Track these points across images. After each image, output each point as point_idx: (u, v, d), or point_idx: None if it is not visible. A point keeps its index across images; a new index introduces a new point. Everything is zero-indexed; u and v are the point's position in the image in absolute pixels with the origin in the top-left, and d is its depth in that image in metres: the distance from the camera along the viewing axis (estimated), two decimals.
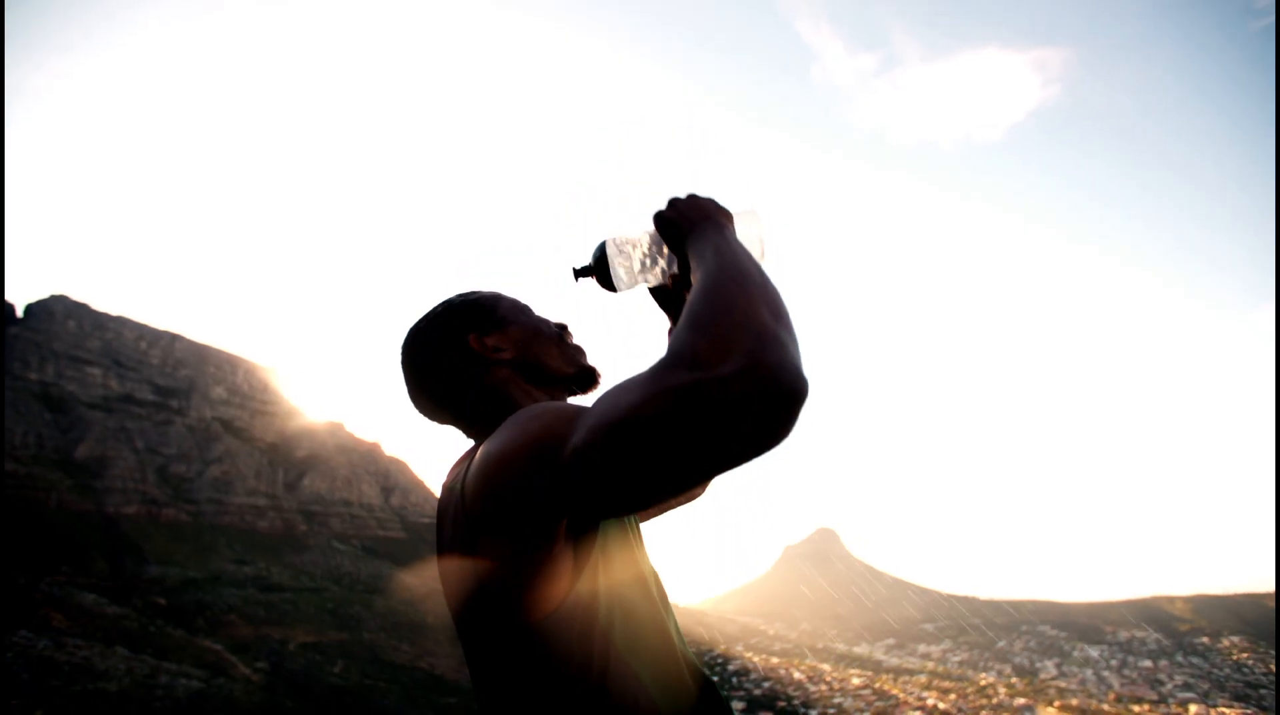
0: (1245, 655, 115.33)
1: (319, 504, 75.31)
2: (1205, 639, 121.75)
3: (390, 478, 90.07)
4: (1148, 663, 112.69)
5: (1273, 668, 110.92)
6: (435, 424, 1.06)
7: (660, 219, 0.93)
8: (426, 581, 68.09)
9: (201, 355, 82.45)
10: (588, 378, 1.09)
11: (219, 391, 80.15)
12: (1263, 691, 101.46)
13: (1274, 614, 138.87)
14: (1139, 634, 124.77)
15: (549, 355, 1.06)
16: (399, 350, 1.07)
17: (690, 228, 0.89)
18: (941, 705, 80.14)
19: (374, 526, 77.89)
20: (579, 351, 1.10)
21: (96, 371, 70.66)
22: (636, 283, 1.02)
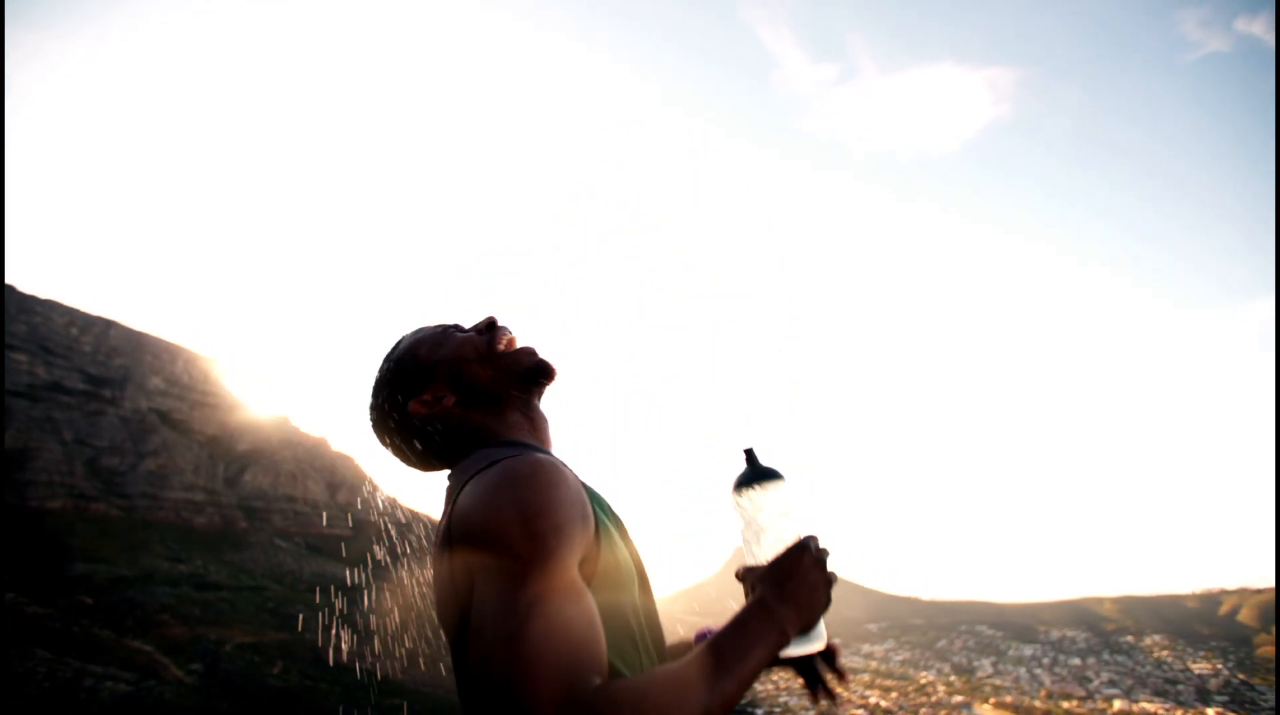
0: (1165, 653, 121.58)
1: (261, 500, 72.86)
2: (1130, 638, 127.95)
3: (337, 473, 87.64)
4: (1077, 660, 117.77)
5: (1189, 665, 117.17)
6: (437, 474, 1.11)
7: (762, 602, 0.89)
8: (374, 579, 66.49)
9: (138, 343, 78.94)
10: (530, 377, 1.07)
11: (156, 382, 76.81)
12: (1179, 687, 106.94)
13: (1193, 615, 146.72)
14: (1070, 633, 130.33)
15: (481, 377, 1.05)
16: (374, 424, 1.12)
17: (770, 614, 0.88)
18: (883, 703, 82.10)
19: (319, 523, 75.67)
20: (513, 356, 1.09)
21: (22, 358, 66.91)
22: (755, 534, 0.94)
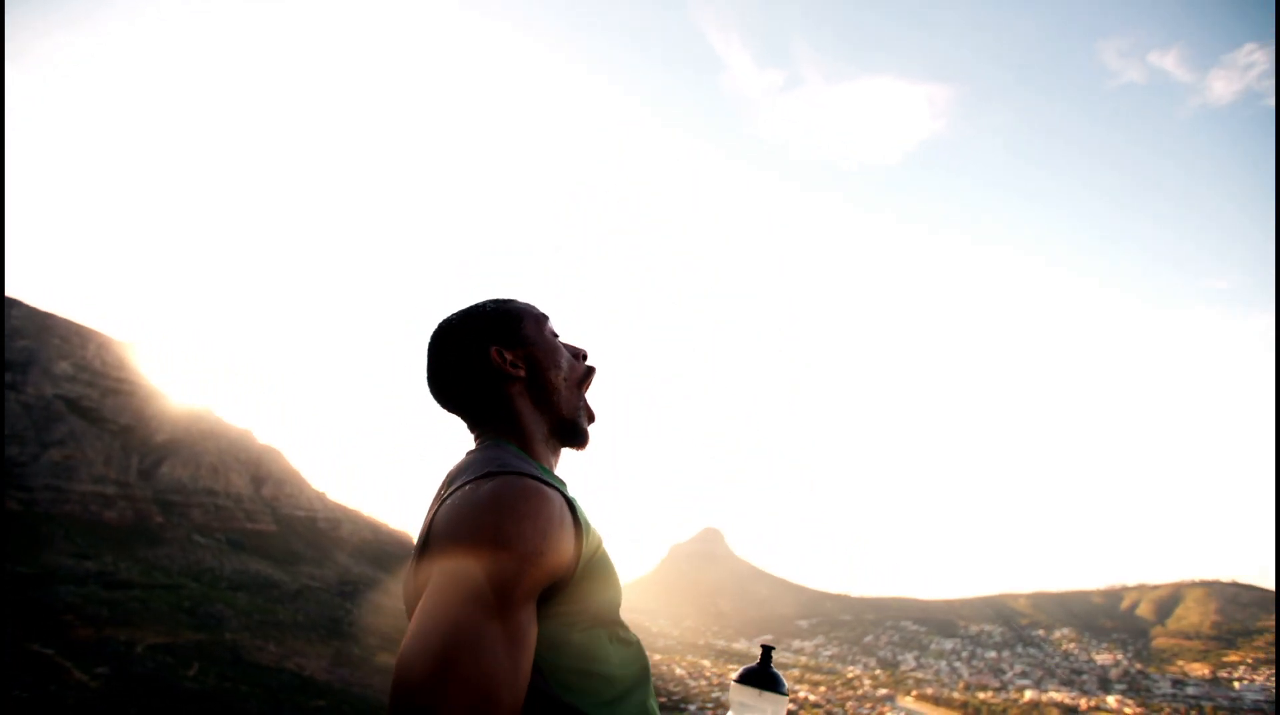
0: (1072, 645, 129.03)
1: (179, 493, 69.20)
2: (1041, 631, 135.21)
3: (262, 467, 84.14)
4: (993, 653, 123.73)
5: (1093, 656, 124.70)
6: (443, 410, 1.13)
7: None
8: (299, 577, 64.13)
9: (44, 325, 73.71)
10: (577, 438, 1.13)
11: (64, 367, 71.92)
12: (1084, 677, 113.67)
13: (1098, 609, 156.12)
14: (987, 627, 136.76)
15: (558, 390, 1.11)
16: (430, 337, 1.13)
17: None
18: (812, 697, 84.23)
19: (241, 518, 72.45)
20: (585, 406, 1.15)
21: None
22: None
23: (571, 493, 0.98)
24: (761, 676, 0.96)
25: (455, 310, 1.15)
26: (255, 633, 48.93)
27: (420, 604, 0.77)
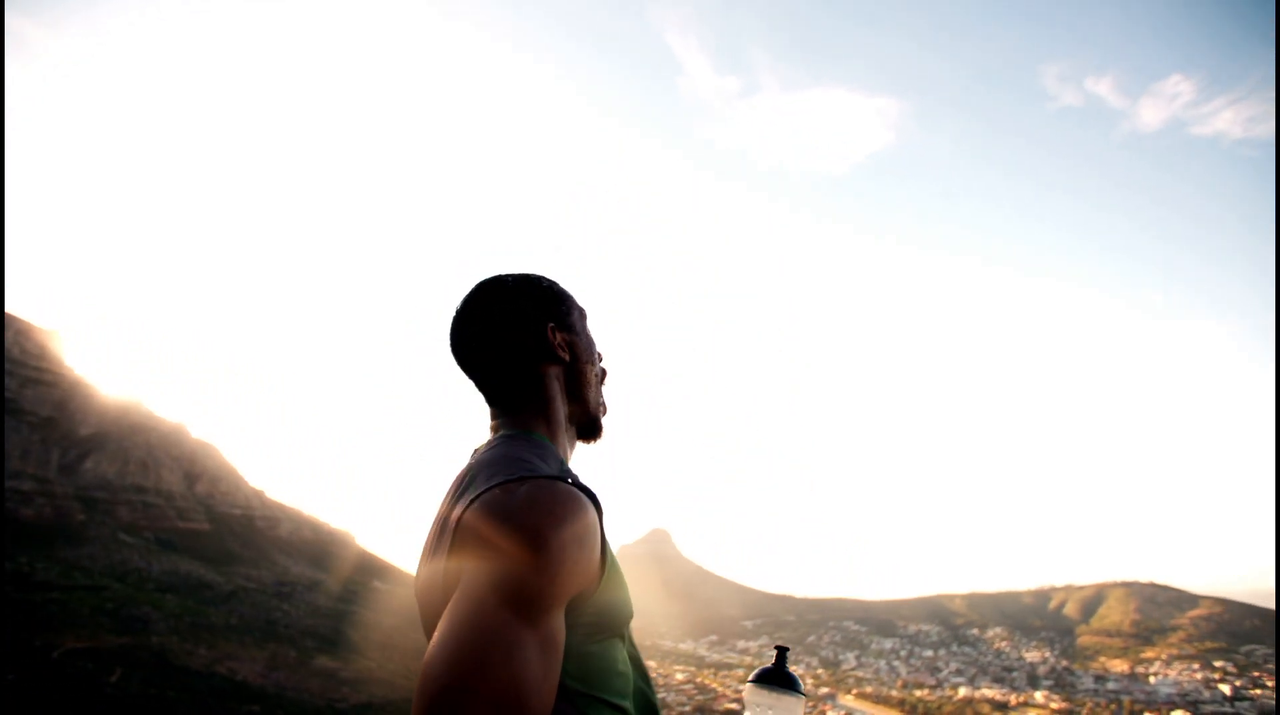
0: (1004, 644, 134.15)
1: (104, 490, 65.82)
2: (975, 630, 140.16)
3: (196, 463, 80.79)
4: (930, 652, 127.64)
5: (1023, 654, 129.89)
6: (462, 371, 1.07)
7: None
8: (233, 578, 61.73)
9: None
10: (595, 430, 1.13)
11: None
12: (1014, 674, 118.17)
13: (1028, 609, 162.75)
14: (925, 627, 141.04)
15: (590, 384, 1.11)
16: (475, 290, 1.07)
17: None
18: None
19: (173, 517, 69.37)
20: (605, 405, 1.16)
21: None
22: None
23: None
24: (778, 677, 0.97)
25: (503, 272, 1.09)
26: (185, 636, 46.86)
27: (451, 606, 0.75)
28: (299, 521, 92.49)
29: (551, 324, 1.06)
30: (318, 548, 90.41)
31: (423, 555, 0.92)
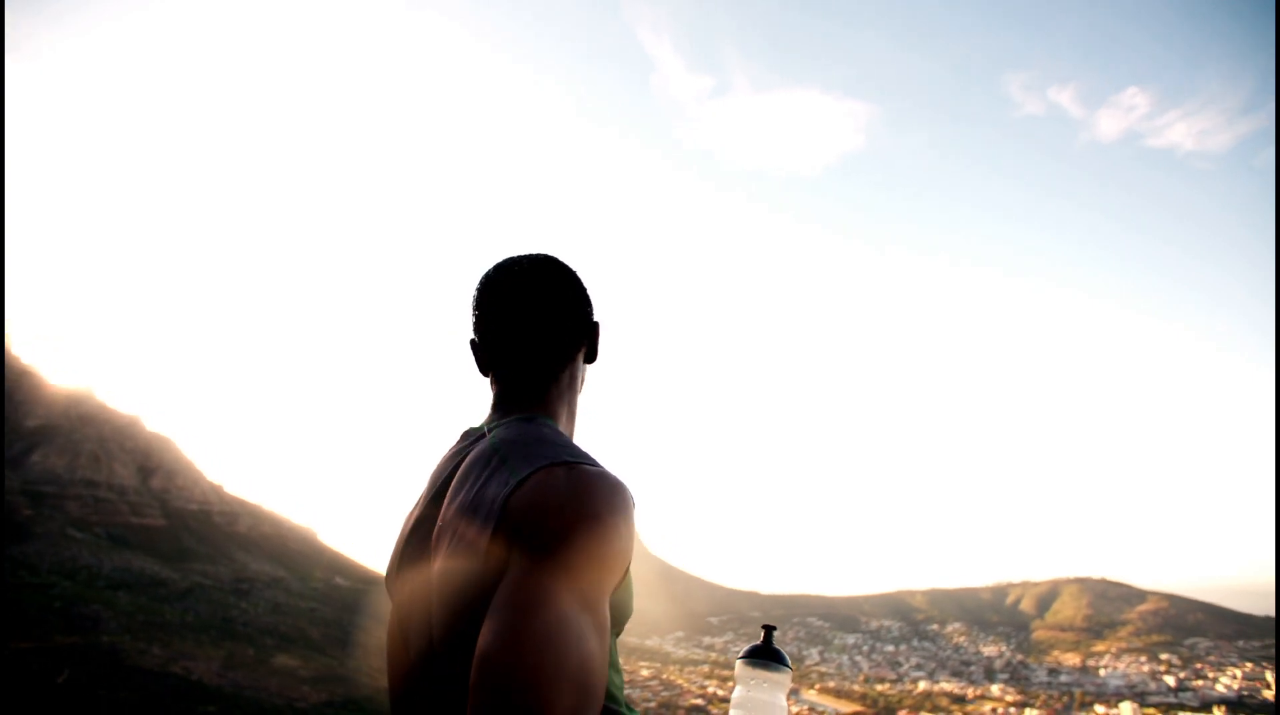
0: (962, 638, 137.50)
1: (53, 484, 63.57)
2: (935, 626, 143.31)
3: (152, 457, 78.58)
4: (891, 647, 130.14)
5: (981, 648, 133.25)
6: (489, 347, 1.01)
7: None
8: (189, 575, 60.16)
9: None
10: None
11: None
12: (972, 668, 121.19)
13: (986, 605, 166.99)
14: (887, 623, 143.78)
15: (582, 387, 1.10)
16: (533, 261, 1.02)
17: None
18: (720, 692, 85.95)
19: (126, 512, 67.30)
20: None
21: None
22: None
23: None
24: (767, 652, 1.03)
25: (552, 254, 1.05)
26: (137, 635, 45.56)
27: (514, 591, 0.72)
28: (259, 517, 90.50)
29: (597, 320, 1.05)
30: (279, 544, 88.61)
31: (405, 546, 0.89)
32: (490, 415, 0.99)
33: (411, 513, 0.94)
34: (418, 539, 0.88)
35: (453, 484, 0.88)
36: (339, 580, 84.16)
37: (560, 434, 0.92)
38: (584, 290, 1.04)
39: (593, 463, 0.84)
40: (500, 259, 1.03)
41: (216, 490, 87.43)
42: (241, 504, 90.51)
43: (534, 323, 0.98)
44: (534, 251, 1.04)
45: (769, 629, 1.05)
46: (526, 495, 0.78)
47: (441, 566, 0.81)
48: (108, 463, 69.99)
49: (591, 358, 1.07)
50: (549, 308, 0.99)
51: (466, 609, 0.77)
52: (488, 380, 1.04)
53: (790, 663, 1.02)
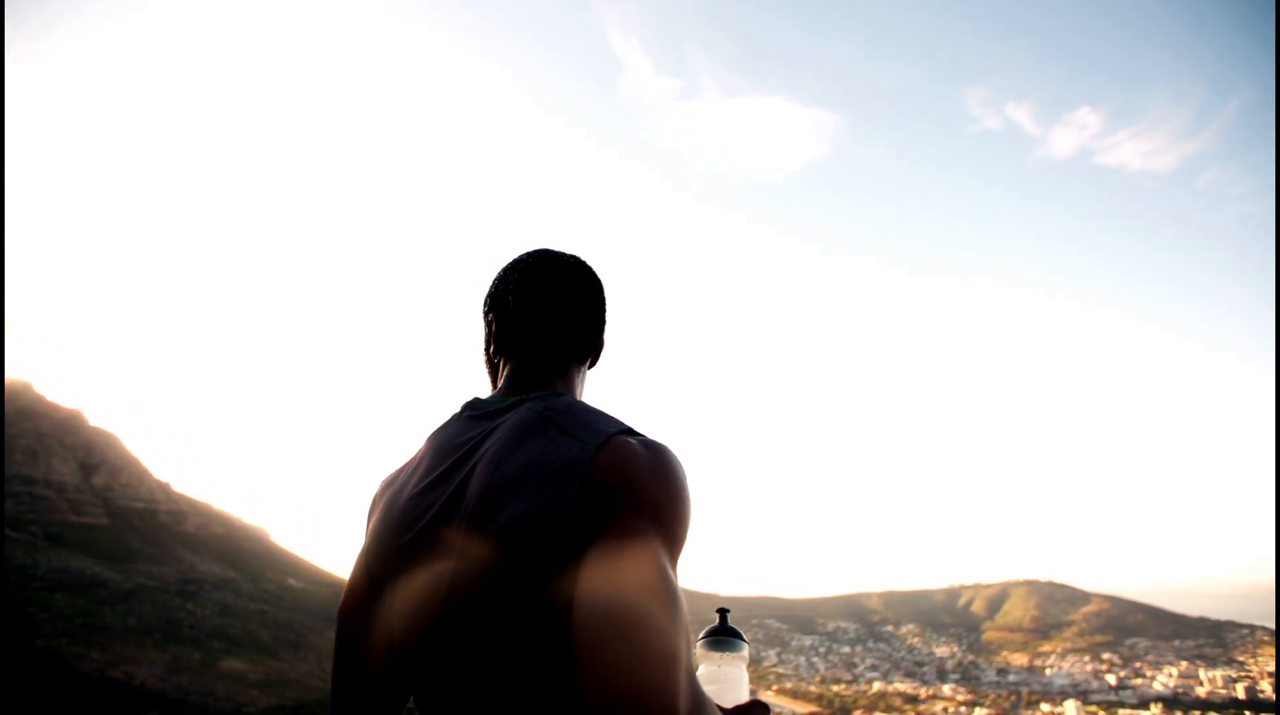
0: (916, 639, 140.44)
1: None
2: (890, 627, 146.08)
3: (94, 453, 75.65)
4: (847, 649, 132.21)
5: (934, 649, 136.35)
6: (517, 323, 1.02)
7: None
8: (132, 576, 57.99)
9: None
10: None
11: None
12: (925, 668, 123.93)
13: (939, 606, 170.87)
14: (843, 624, 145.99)
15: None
16: (574, 260, 1.07)
17: None
18: None
19: (65, 510, 64.59)
20: None
21: None
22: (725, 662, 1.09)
23: None
24: (724, 632, 1.08)
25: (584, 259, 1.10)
26: (75, 638, 43.73)
27: (631, 551, 0.74)
28: (208, 516, 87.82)
29: (604, 332, 1.09)
30: (229, 544, 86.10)
31: (414, 513, 0.89)
32: (504, 391, 0.99)
33: (410, 481, 0.93)
34: (438, 504, 0.87)
35: (489, 449, 0.88)
36: (292, 581, 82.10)
37: (598, 408, 0.94)
38: (604, 302, 1.08)
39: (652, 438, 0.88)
40: (538, 248, 1.07)
41: (163, 488, 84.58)
42: (190, 502, 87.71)
43: (575, 309, 1.02)
44: (569, 251, 1.10)
45: (723, 611, 1.10)
46: (614, 459, 0.80)
47: (504, 525, 0.80)
48: (46, 459, 67.18)
49: (593, 363, 1.10)
50: (583, 302, 1.03)
51: (542, 561, 0.77)
52: (488, 359, 1.07)
53: (746, 638, 1.08)
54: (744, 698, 1.01)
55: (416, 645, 0.85)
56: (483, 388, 1.06)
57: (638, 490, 0.78)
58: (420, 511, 0.88)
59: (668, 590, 0.72)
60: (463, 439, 0.92)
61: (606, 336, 1.10)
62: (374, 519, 0.96)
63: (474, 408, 0.97)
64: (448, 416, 1.00)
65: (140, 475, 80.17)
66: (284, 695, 47.14)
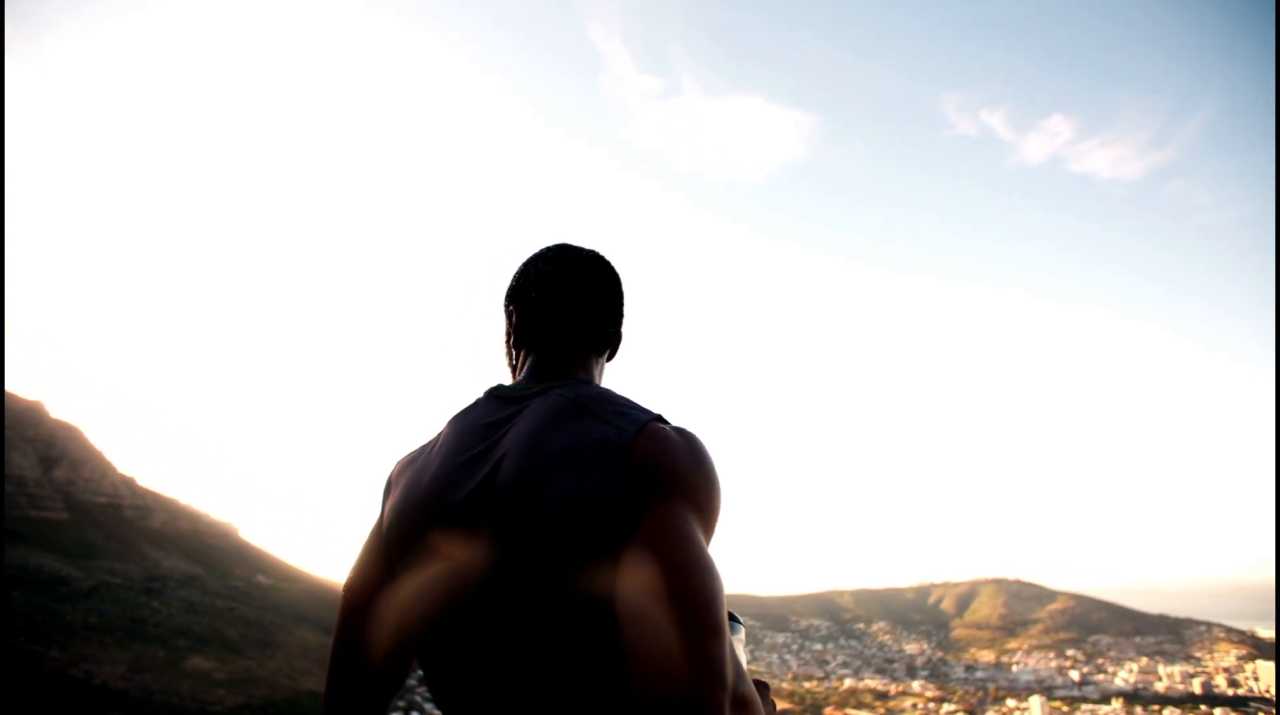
0: (887, 637, 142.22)
1: None
2: (861, 625, 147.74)
3: (55, 446, 73.60)
4: (819, 646, 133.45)
5: (904, 646, 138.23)
6: (540, 313, 1.04)
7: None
8: (95, 573, 56.57)
9: None
10: None
11: None
12: (895, 665, 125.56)
13: (910, 604, 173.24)
14: (815, 622, 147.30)
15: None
16: (595, 255, 1.10)
17: None
18: None
19: (25, 505, 62.74)
20: None
21: None
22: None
23: None
24: (731, 618, 1.02)
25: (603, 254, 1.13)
26: (34, 637, 42.51)
27: (670, 525, 0.78)
28: (175, 512, 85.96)
29: (622, 324, 1.12)
30: (195, 540, 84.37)
31: (439, 494, 0.89)
32: (527, 379, 1.01)
33: (435, 461, 0.93)
34: (471, 484, 0.87)
35: (521, 432, 0.89)
36: (261, 578, 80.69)
37: (626, 397, 0.96)
38: (618, 291, 1.10)
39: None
40: (557, 243, 1.11)
41: (128, 482, 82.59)
42: (156, 497, 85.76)
43: (594, 302, 1.05)
44: (589, 247, 1.13)
45: None
46: (652, 444, 0.84)
47: (545, 505, 0.81)
48: (4, 452, 65.16)
49: (612, 355, 1.12)
50: (601, 295, 1.06)
51: (584, 541, 0.79)
52: (508, 351, 1.09)
53: (742, 621, 1.06)
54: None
55: (446, 629, 0.85)
56: (473, 383, 1.06)
57: (677, 475, 0.81)
58: (450, 491, 0.88)
59: (712, 567, 0.76)
60: (492, 421, 0.93)
61: (625, 329, 1.13)
62: (394, 498, 0.96)
63: (496, 394, 0.99)
64: (470, 401, 1.00)
65: (104, 469, 78.18)
66: (251, 694, 46.33)
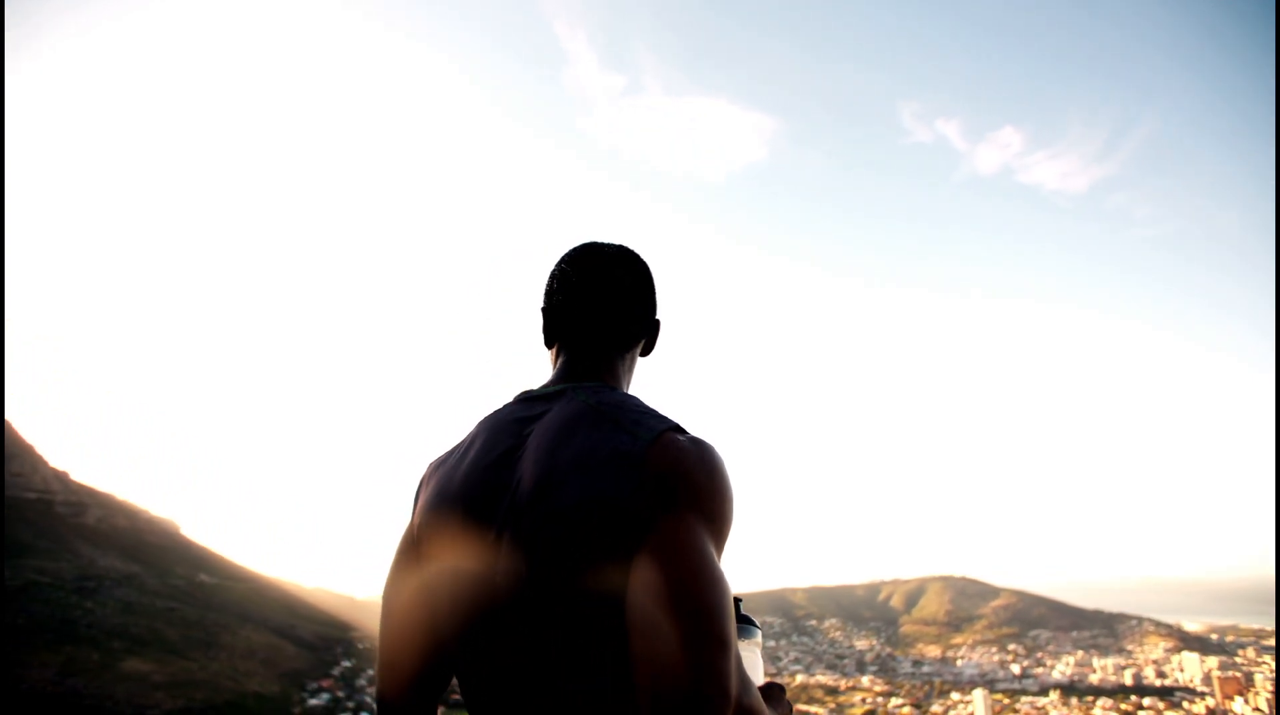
0: (838, 633, 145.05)
1: None
2: (813, 621, 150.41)
3: None
4: (771, 642, 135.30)
5: (854, 642, 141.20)
6: (569, 314, 1.06)
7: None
8: (22, 572, 53.96)
9: None
10: None
11: None
12: (845, 661, 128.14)
13: (860, 601, 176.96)
14: (768, 618, 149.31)
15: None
16: (624, 249, 1.10)
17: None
18: None
19: None
20: None
21: None
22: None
23: None
24: (739, 620, 1.07)
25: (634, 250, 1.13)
26: None
27: (681, 534, 0.79)
28: (111, 508, 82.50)
29: (659, 318, 1.13)
30: (133, 537, 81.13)
31: (469, 496, 0.91)
32: (555, 379, 1.03)
33: (462, 463, 0.95)
34: (493, 486, 0.90)
35: (541, 436, 0.91)
36: (204, 577, 78.01)
37: (645, 403, 0.97)
38: (655, 287, 1.12)
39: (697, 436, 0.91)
40: (585, 241, 1.11)
41: (60, 477, 78.96)
42: (91, 493, 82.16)
43: (617, 300, 1.05)
44: (618, 242, 1.13)
45: (737, 599, 1.08)
46: (666, 453, 0.85)
47: (560, 509, 0.83)
48: None
49: (648, 351, 1.14)
50: (632, 291, 1.07)
51: (596, 546, 0.81)
52: (549, 349, 1.10)
53: (759, 626, 1.09)
54: (760, 680, 1.03)
55: (471, 629, 0.87)
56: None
57: (689, 486, 0.82)
58: (476, 493, 0.90)
59: (721, 579, 0.76)
60: (517, 423, 0.95)
61: (659, 322, 1.14)
62: (424, 499, 0.98)
63: (525, 396, 1.01)
64: (500, 404, 1.02)
65: (34, 463, 74.60)
66: (192, 697, 44.82)
